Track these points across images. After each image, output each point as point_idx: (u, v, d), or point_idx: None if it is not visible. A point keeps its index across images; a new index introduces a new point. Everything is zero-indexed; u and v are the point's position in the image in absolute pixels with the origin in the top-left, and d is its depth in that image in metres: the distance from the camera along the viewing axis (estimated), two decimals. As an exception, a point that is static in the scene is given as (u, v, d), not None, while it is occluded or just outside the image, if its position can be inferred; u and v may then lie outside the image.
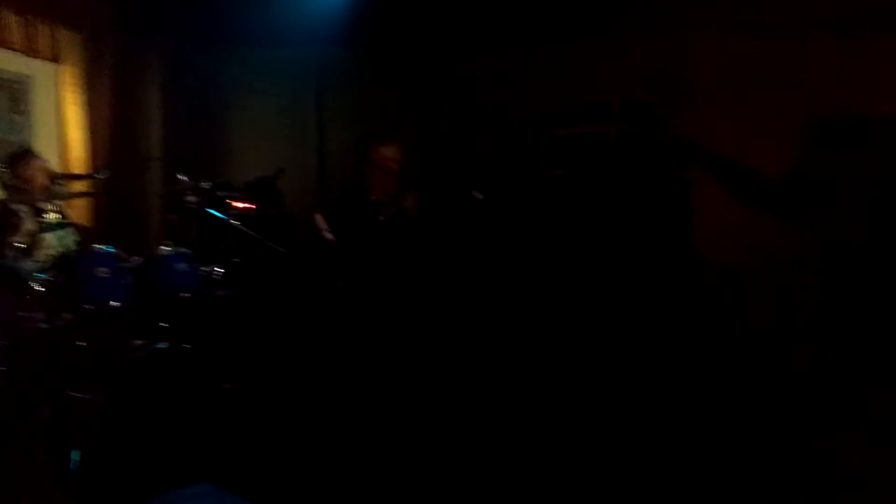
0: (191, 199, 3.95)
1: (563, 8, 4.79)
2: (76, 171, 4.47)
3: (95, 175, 4.08)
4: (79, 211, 4.30)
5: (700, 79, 4.76)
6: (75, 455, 2.75)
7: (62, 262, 3.22)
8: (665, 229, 4.31)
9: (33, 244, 3.25)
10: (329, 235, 3.67)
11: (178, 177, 3.82)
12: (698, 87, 4.76)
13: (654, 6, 4.66)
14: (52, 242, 3.40)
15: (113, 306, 3.21)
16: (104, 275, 3.21)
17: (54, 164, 4.02)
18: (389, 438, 3.43)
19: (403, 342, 3.92)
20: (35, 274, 3.08)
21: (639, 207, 4.29)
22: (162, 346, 3.49)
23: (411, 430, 3.55)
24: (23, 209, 3.38)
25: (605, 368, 4.01)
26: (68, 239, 3.54)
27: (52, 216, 3.44)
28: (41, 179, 3.51)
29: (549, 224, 4.57)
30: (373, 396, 3.72)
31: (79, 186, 4.08)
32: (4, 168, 3.44)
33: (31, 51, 4.31)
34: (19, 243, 3.13)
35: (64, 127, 4.62)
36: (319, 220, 3.73)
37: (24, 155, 3.59)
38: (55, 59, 4.55)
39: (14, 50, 4.20)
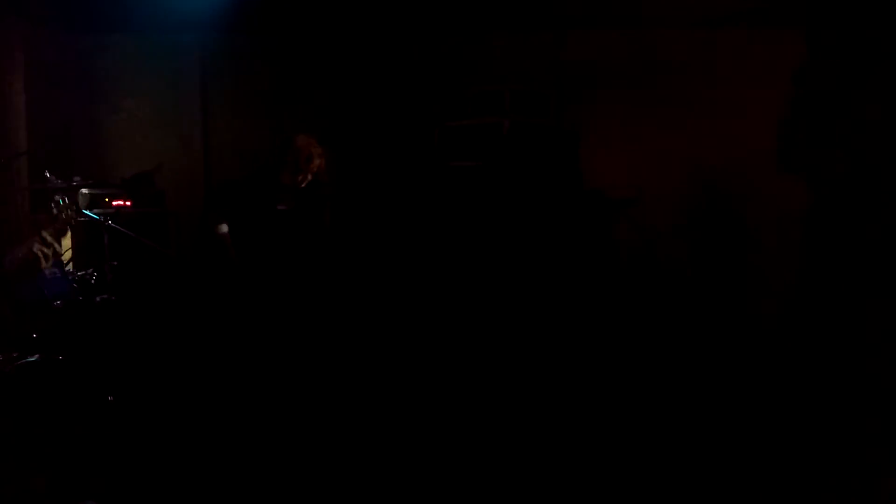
0: (60, 198, 3.65)
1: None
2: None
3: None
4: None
5: (585, 72, 4.95)
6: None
7: None
8: (563, 216, 4.45)
9: None
10: (230, 248, 3.49)
11: (46, 174, 3.52)
12: (585, 80, 4.95)
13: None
14: None
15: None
16: (-40, 284, 2.90)
17: None
18: (280, 441, 3.35)
19: (300, 343, 3.83)
20: None
21: (537, 197, 4.40)
22: (32, 359, 3.21)
23: (311, 433, 3.48)
24: None
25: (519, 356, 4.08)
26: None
27: None
28: None
29: (451, 215, 4.60)
30: (266, 401, 3.62)
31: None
32: None
33: None
34: None
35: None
36: (223, 229, 3.54)
37: None
38: None
39: None
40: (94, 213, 3.67)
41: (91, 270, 3.57)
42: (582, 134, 4.76)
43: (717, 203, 5.24)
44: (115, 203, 4.34)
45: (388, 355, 4.18)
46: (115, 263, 3.66)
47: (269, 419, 3.49)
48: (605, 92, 5.10)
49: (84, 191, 4.15)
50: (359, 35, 5.17)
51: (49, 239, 2.12)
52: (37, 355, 3.24)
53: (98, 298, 3.52)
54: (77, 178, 4.00)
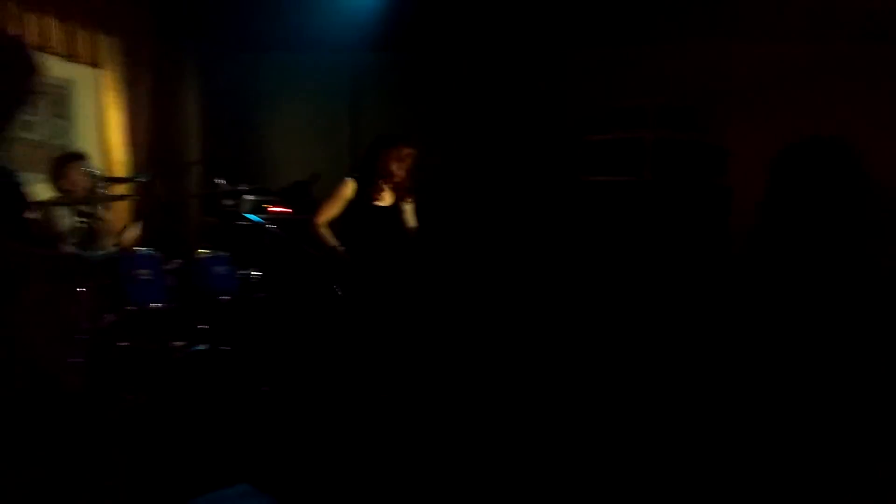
0: (228, 202, 4.01)
1: (599, 14, 4.76)
2: (117, 174, 4.54)
3: (136, 178, 4.14)
4: (120, 213, 4.37)
5: (738, 84, 4.71)
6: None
7: (106, 264, 3.26)
8: (703, 235, 4.27)
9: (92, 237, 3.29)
10: (339, 247, 3.65)
11: (216, 181, 3.86)
12: (736, 93, 4.71)
13: (689, 13, 4.60)
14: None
15: (154, 308, 3.25)
16: (146, 277, 3.25)
17: (97, 167, 4.09)
18: (420, 438, 3.44)
19: (434, 345, 3.93)
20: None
21: (678, 214, 4.25)
22: (201, 347, 3.54)
23: (442, 429, 3.56)
24: (67, 210, 3.44)
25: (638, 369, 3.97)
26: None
27: (95, 217, 3.49)
28: (85, 182, 3.57)
29: (586, 231, 4.55)
30: (403, 397, 3.74)
31: (120, 189, 4.14)
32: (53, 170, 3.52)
33: (72, 56, 4.39)
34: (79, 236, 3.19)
35: (105, 130, 4.71)
36: (325, 232, 3.72)
37: (70, 158, 3.66)
38: (95, 65, 4.63)
39: (56, 55, 4.27)
40: (256, 217, 3.97)
41: (252, 270, 3.86)
42: (733, 149, 4.56)
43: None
44: (273, 209, 4.67)
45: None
46: (273, 264, 3.94)
47: (407, 410, 3.61)
48: (761, 106, 4.83)
49: (248, 197, 4.50)
50: (499, 50, 5.25)
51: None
52: (205, 345, 3.57)
53: (257, 296, 3.80)
54: (242, 185, 4.37)
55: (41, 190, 3.52)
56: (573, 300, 4.44)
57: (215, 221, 4.78)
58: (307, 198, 5.01)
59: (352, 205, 3.66)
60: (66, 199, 3.50)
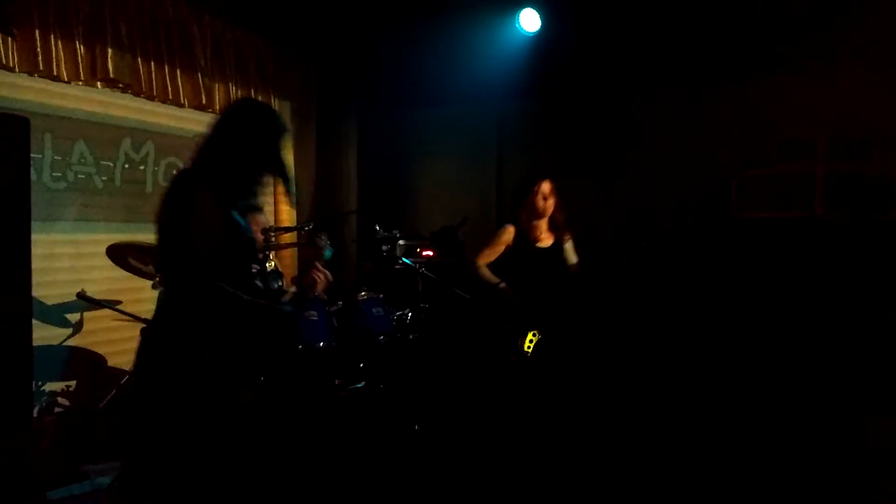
0: (384, 247, 4.22)
1: (750, 43, 4.57)
2: (286, 224, 4.94)
3: (303, 227, 4.48)
4: (288, 259, 4.75)
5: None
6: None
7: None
8: (872, 276, 3.87)
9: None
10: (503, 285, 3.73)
11: (375, 227, 4.08)
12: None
13: (856, 38, 4.29)
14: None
15: (321, 347, 3.47)
16: (313, 318, 3.48)
17: (269, 219, 4.49)
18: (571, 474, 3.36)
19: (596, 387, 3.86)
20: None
21: (849, 254, 3.90)
22: (359, 385, 3.71)
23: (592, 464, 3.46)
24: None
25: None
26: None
27: (269, 264, 3.81)
28: (259, 234, 3.93)
29: (745, 270, 4.29)
30: (551, 433, 3.68)
31: (288, 238, 4.50)
32: None
33: (250, 120, 4.88)
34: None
35: (276, 186, 5.16)
36: (487, 272, 3.80)
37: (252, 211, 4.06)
38: (270, 126, 5.12)
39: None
40: (409, 261, 4.15)
41: (407, 311, 4.02)
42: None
43: None
44: (424, 253, 4.86)
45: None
46: (426, 306, 4.07)
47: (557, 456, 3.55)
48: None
49: (401, 242, 4.72)
50: (646, 88, 5.17)
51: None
52: (363, 382, 3.74)
53: (412, 336, 3.94)
54: (396, 231, 4.59)
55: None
56: (735, 343, 4.17)
57: (371, 265, 5.05)
58: (454, 241, 5.16)
59: (513, 250, 3.79)
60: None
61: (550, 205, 3.76)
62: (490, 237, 3.93)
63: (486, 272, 3.80)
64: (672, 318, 4.70)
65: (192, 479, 2.11)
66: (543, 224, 3.82)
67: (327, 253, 2.66)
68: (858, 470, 3.29)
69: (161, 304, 2.22)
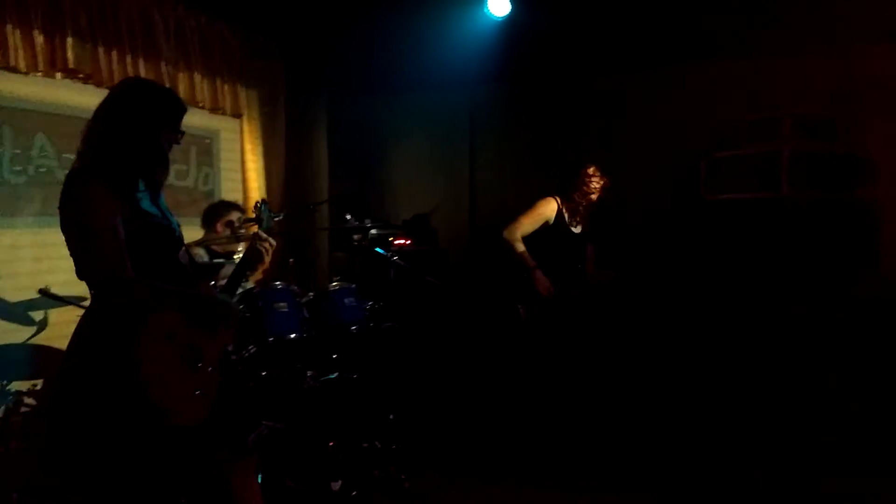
0: (355, 237, 4.19)
1: (717, 25, 4.59)
2: (251, 216, 4.88)
3: (273, 217, 4.43)
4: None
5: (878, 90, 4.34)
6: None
7: (246, 298, 3.49)
8: (848, 253, 3.93)
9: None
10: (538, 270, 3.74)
11: (347, 217, 4.05)
12: (876, 99, 4.35)
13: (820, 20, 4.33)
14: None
15: (290, 338, 3.43)
16: (283, 309, 3.44)
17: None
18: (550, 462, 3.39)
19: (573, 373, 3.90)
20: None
21: (816, 233, 3.96)
22: (332, 376, 3.68)
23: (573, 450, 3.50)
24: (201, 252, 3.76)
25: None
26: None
27: (236, 256, 3.77)
28: (226, 230, 3.88)
29: (713, 251, 4.34)
30: (531, 420, 3.72)
31: (254, 228, 4.44)
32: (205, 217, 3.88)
33: (216, 109, 4.80)
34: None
35: (245, 175, 5.11)
36: (524, 249, 3.80)
37: (228, 206, 4.01)
38: (237, 115, 5.05)
39: (202, 109, 4.70)
40: (381, 250, 4.13)
41: (379, 300, 4.00)
42: (876, 160, 4.20)
43: None
44: (396, 242, 4.84)
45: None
46: (399, 295, 4.05)
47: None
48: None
49: (373, 231, 4.69)
50: (618, 70, 5.18)
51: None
52: (336, 373, 3.72)
53: (385, 326, 3.92)
54: (368, 220, 4.55)
55: (190, 233, 3.86)
56: (705, 323, 4.23)
57: (344, 255, 5.02)
58: (427, 229, 5.15)
59: (550, 229, 3.77)
60: (209, 240, 3.82)
61: (594, 202, 3.84)
62: (527, 207, 3.86)
63: (524, 250, 3.71)
64: (643, 301, 4.74)
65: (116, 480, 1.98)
66: (583, 210, 3.87)
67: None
68: (821, 447, 3.37)
69: (86, 311, 2.06)
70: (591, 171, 3.80)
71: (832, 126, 4.15)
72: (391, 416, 3.75)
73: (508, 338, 3.78)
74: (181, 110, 2.16)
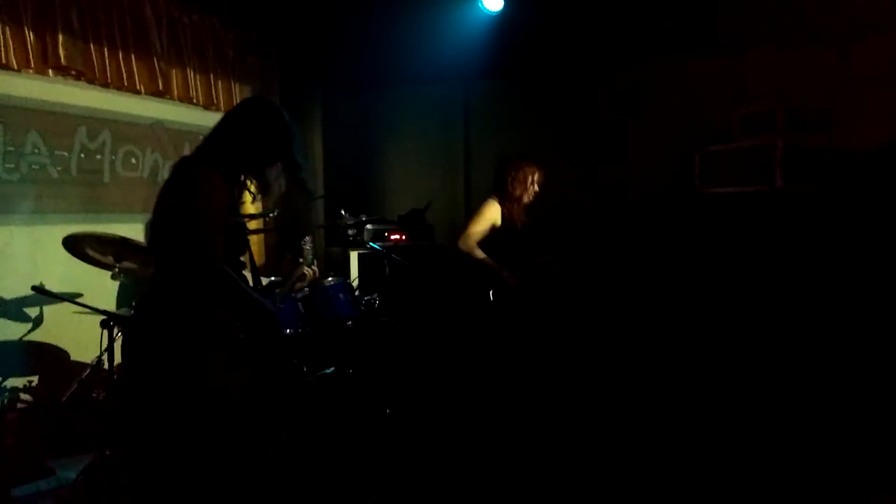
0: (351, 232, 4.20)
1: (711, 19, 4.58)
2: (250, 211, 4.88)
3: (268, 214, 4.43)
4: (253, 247, 4.69)
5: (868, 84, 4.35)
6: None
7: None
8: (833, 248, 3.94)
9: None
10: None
11: (342, 212, 4.05)
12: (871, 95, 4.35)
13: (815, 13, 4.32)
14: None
15: (288, 334, 3.44)
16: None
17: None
18: (544, 456, 3.40)
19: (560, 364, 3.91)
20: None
21: (810, 226, 3.96)
22: (328, 371, 3.69)
23: (566, 446, 3.50)
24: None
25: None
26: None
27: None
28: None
29: (707, 244, 4.35)
30: (525, 414, 3.73)
31: (253, 224, 4.45)
32: None
33: (210, 105, 4.79)
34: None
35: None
36: (482, 254, 3.81)
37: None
38: (231, 111, 5.03)
39: (196, 105, 4.69)
40: (377, 245, 4.13)
41: (375, 295, 4.01)
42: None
43: None
44: (392, 237, 4.84)
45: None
46: (394, 289, 4.06)
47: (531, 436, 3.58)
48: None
49: (368, 226, 4.70)
50: (612, 65, 5.17)
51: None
52: (332, 368, 3.72)
53: (380, 320, 3.93)
54: (363, 216, 4.56)
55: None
56: (699, 317, 4.24)
57: (339, 250, 5.02)
58: (422, 224, 5.15)
59: (498, 228, 3.81)
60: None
61: (535, 193, 3.88)
62: (473, 215, 3.93)
63: (486, 258, 3.79)
64: (638, 293, 4.76)
65: (182, 469, 2.11)
66: (522, 205, 3.91)
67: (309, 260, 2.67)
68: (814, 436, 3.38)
69: (148, 290, 2.15)
70: (522, 166, 3.84)
71: (827, 119, 4.15)
72: (387, 411, 3.76)
73: (484, 326, 3.80)
74: (292, 138, 2.30)
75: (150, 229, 2.12)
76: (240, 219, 2.21)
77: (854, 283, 3.88)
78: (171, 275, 2.09)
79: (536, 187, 3.85)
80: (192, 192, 2.03)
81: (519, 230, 3.88)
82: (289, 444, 3.25)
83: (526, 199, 3.88)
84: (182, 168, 2.13)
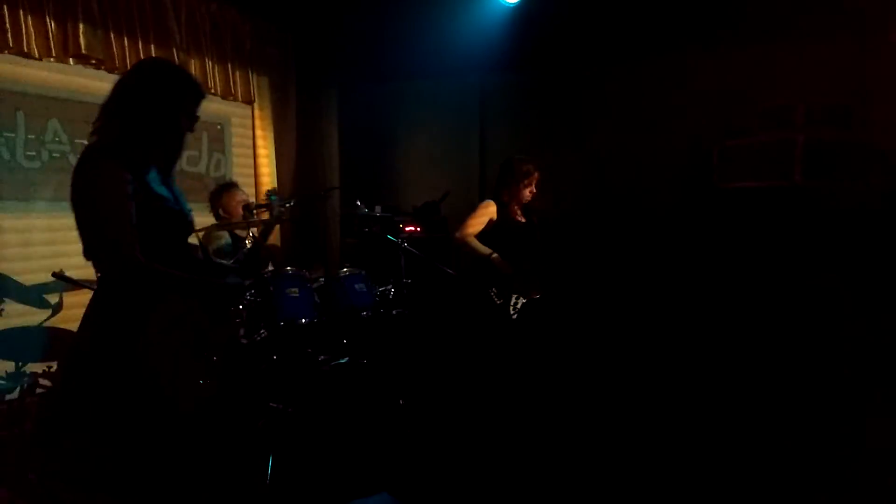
0: (367, 223, 4.21)
1: (731, 11, 4.54)
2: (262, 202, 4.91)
3: (284, 204, 4.45)
4: (270, 238, 4.71)
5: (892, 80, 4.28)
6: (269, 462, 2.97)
7: (258, 283, 3.52)
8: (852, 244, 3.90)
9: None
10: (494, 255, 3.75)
11: (357, 203, 4.06)
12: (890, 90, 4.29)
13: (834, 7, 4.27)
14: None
15: (301, 323, 3.46)
16: (294, 294, 3.47)
17: (249, 195, 4.45)
18: (556, 447, 3.40)
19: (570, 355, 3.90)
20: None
21: (829, 222, 3.92)
22: (342, 360, 3.71)
23: (578, 438, 3.50)
24: (225, 235, 3.78)
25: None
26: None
27: (248, 241, 3.79)
28: (239, 209, 3.90)
29: (726, 241, 4.31)
30: (537, 406, 3.73)
31: (265, 215, 4.46)
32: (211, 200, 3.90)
33: (228, 95, 4.82)
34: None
35: (256, 161, 5.13)
36: (476, 242, 3.83)
37: (225, 188, 4.02)
38: (248, 102, 5.07)
39: (214, 95, 4.71)
40: (392, 237, 4.14)
41: (389, 286, 4.02)
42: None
43: None
44: (407, 228, 4.85)
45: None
46: (409, 281, 4.07)
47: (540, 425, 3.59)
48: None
49: (383, 217, 4.70)
50: (630, 58, 5.13)
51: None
52: (346, 358, 3.74)
53: (394, 311, 3.94)
54: (378, 207, 4.57)
55: (203, 219, 3.89)
56: (717, 312, 4.21)
57: (354, 241, 5.04)
58: (437, 216, 5.15)
59: (495, 224, 3.81)
60: (222, 224, 3.84)
61: (532, 193, 3.86)
62: (472, 210, 3.94)
63: (477, 243, 3.80)
64: (656, 287, 4.74)
65: (138, 470, 1.97)
66: (520, 205, 3.91)
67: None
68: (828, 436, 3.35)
69: (94, 294, 2.01)
70: (529, 179, 3.81)
71: (847, 114, 4.10)
72: (400, 402, 3.78)
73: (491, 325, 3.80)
74: (200, 95, 2.13)
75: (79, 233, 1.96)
76: (165, 203, 2.01)
77: (873, 280, 3.84)
78: (104, 278, 1.98)
79: (534, 188, 3.84)
80: (89, 187, 1.89)
81: (517, 228, 3.86)
82: (300, 431, 3.27)
83: (524, 200, 3.87)
84: (81, 161, 1.94)
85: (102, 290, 1.99)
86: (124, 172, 1.89)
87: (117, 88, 2.03)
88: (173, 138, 2.09)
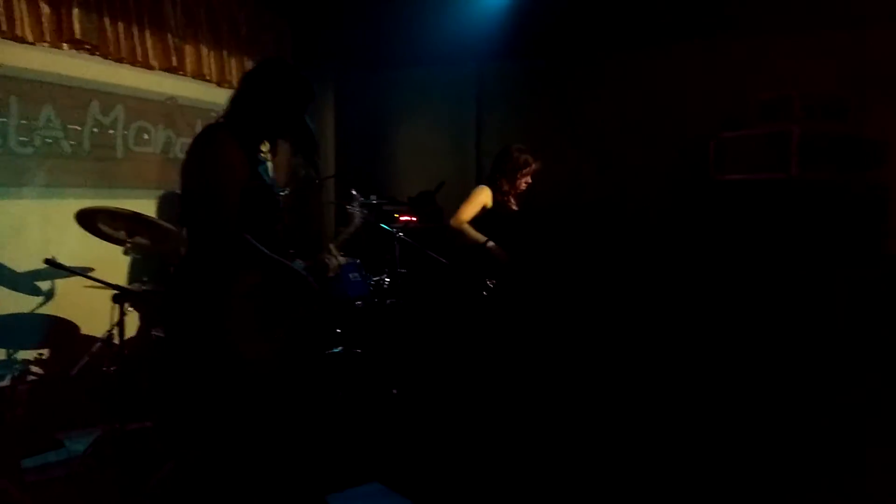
0: (361, 212, 4.17)
1: (729, 3, 4.51)
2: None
3: (279, 192, 4.42)
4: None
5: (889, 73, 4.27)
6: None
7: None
8: (856, 235, 3.90)
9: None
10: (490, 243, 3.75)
11: (352, 192, 4.03)
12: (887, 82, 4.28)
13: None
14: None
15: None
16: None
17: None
18: (548, 437, 3.42)
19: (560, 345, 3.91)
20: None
21: (826, 214, 3.92)
22: (336, 350, 3.71)
23: (571, 429, 3.51)
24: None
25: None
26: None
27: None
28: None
29: (721, 231, 4.31)
30: (529, 396, 3.74)
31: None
32: None
33: (223, 82, 4.78)
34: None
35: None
36: (472, 229, 3.82)
37: None
38: (243, 89, 5.02)
39: (209, 82, 4.68)
40: (387, 226, 4.12)
41: (384, 276, 4.01)
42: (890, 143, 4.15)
43: None
44: (402, 218, 4.83)
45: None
46: (404, 271, 4.06)
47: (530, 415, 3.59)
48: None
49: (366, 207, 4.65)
50: (628, 48, 5.11)
51: (334, 251, 2.58)
52: (340, 347, 3.74)
53: (388, 301, 3.94)
54: (373, 196, 4.54)
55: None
56: (713, 304, 4.22)
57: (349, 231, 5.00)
58: (433, 206, 5.13)
59: (489, 211, 3.80)
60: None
61: (528, 184, 3.89)
62: (466, 197, 3.94)
63: (473, 231, 3.81)
64: (652, 280, 4.74)
65: (214, 437, 2.17)
66: (514, 195, 3.93)
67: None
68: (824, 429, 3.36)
69: (183, 258, 2.24)
70: (527, 168, 3.84)
71: (843, 106, 4.08)
72: (394, 391, 3.78)
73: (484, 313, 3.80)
74: (312, 96, 2.33)
75: (180, 200, 2.18)
76: (265, 185, 2.22)
77: (870, 272, 3.85)
78: (196, 244, 2.18)
79: (529, 178, 3.84)
80: (203, 162, 2.10)
81: (511, 216, 3.87)
82: (296, 420, 3.27)
83: (519, 189, 3.87)
84: (199, 137, 2.19)
85: (190, 258, 2.19)
86: (240, 151, 2.11)
87: (244, 82, 2.32)
88: (283, 129, 2.31)
